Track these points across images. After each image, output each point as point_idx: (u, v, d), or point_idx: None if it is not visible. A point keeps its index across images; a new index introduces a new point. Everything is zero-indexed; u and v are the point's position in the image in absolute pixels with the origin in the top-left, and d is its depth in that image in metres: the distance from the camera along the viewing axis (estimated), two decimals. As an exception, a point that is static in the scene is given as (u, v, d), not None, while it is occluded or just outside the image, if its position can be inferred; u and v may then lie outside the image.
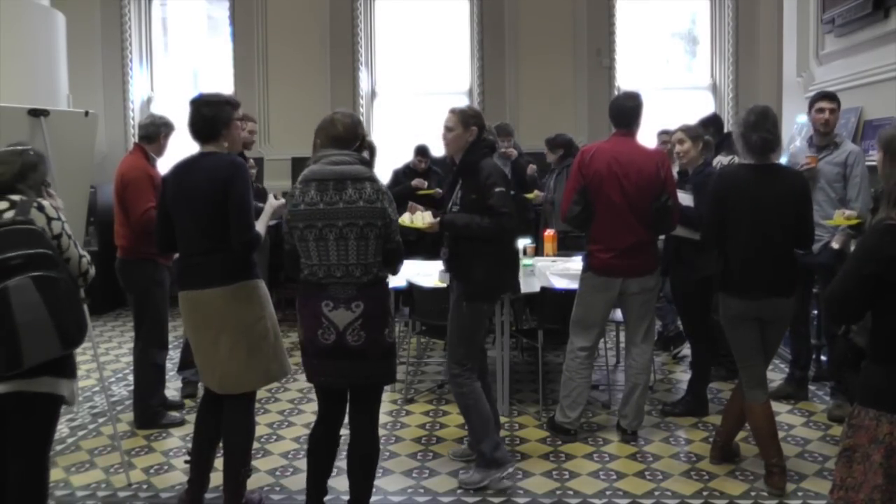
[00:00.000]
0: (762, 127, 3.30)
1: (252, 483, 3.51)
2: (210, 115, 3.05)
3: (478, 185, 3.36)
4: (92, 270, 2.75)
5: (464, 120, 3.44)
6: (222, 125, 3.07)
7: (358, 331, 2.79)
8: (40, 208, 2.59)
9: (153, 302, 4.23)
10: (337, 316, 2.78)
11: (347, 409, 3.03)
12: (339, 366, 2.82)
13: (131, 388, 4.71)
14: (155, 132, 4.27)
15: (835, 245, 3.98)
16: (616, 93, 7.41)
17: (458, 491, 3.43)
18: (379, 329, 2.84)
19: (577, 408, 3.97)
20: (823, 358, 4.74)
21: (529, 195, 6.23)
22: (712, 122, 5.36)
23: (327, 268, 2.80)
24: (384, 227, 2.82)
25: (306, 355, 2.92)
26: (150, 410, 4.26)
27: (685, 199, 4.09)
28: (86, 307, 3.74)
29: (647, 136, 5.63)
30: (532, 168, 6.35)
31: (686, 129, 4.34)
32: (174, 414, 4.39)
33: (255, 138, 5.22)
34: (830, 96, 4.28)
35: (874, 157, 3.34)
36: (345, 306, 2.78)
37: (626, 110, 3.90)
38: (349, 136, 2.87)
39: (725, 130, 5.64)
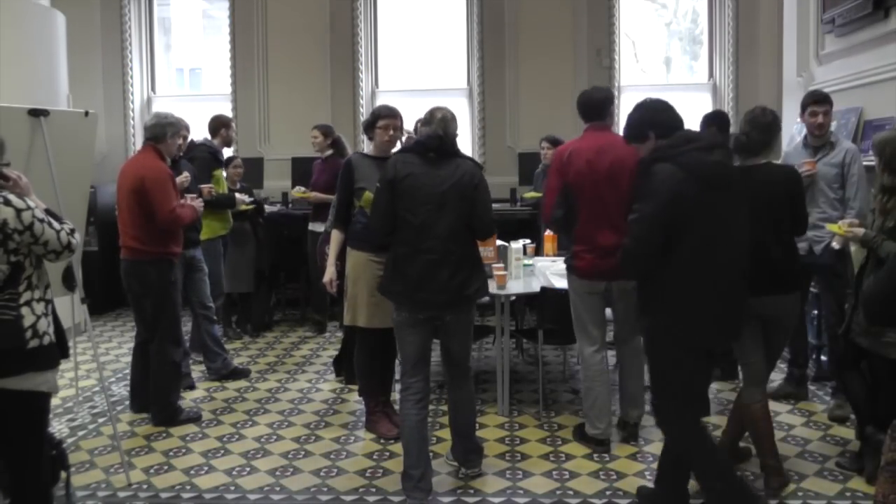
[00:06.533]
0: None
1: (252, 483, 3.54)
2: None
3: None
4: (75, 239, 2.65)
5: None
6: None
7: None
8: (6, 203, 2.45)
9: (171, 301, 4.29)
10: None
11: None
12: None
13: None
14: (161, 132, 4.28)
15: (835, 245, 3.98)
16: (616, 93, 7.43)
17: (458, 491, 3.43)
18: None
19: (604, 417, 3.85)
20: (823, 358, 4.75)
21: (529, 194, 6.24)
22: (715, 119, 5.24)
23: None
24: None
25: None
26: (170, 408, 4.31)
27: None
28: (85, 307, 3.77)
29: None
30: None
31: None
32: (190, 409, 4.47)
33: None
34: (820, 99, 4.20)
35: (873, 156, 3.35)
36: None
37: (595, 101, 3.80)
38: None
39: (731, 127, 5.57)
